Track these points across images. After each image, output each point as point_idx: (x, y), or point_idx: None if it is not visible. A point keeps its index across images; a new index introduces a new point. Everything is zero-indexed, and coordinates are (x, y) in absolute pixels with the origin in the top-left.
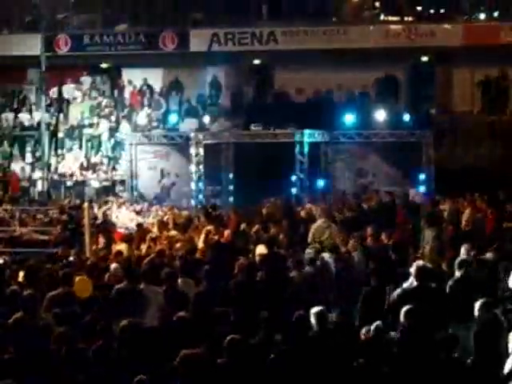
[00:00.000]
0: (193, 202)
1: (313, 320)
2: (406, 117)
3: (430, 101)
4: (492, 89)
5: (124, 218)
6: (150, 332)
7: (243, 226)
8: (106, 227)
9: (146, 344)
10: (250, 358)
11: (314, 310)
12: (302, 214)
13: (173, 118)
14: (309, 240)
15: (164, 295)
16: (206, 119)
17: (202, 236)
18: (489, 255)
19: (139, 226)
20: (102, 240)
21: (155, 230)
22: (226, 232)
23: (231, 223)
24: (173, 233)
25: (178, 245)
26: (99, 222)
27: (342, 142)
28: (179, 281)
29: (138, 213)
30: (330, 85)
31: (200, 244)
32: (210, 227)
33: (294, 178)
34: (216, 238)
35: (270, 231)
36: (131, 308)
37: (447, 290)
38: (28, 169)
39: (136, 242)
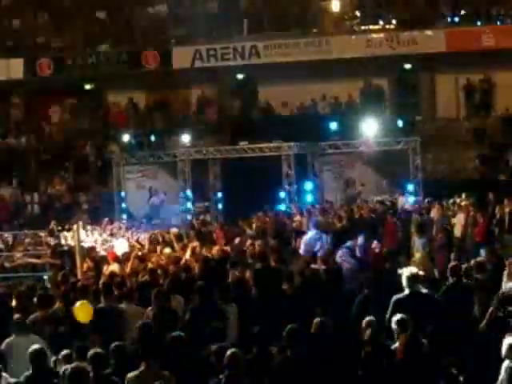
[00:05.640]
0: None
1: (314, 329)
2: (399, 123)
3: (416, 108)
4: (476, 94)
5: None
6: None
7: (237, 240)
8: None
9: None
10: (246, 372)
11: (316, 319)
12: (292, 226)
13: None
14: (301, 252)
15: (154, 314)
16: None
17: (188, 252)
18: (481, 259)
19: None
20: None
21: (146, 247)
22: (215, 248)
23: (218, 239)
24: (166, 251)
25: (164, 262)
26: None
27: (329, 153)
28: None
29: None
30: (315, 96)
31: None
32: (195, 243)
33: (281, 191)
34: (203, 253)
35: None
36: (111, 328)
37: (440, 297)
38: (16, 193)
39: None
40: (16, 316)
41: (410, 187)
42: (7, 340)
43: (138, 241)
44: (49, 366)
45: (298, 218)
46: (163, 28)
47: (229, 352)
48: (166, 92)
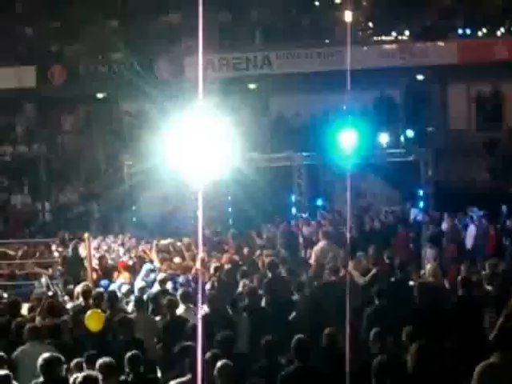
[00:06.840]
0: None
1: (324, 341)
2: (410, 134)
3: (427, 119)
4: (488, 105)
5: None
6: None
7: (246, 250)
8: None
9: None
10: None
11: (326, 331)
12: (302, 237)
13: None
14: (311, 262)
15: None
16: None
17: (198, 263)
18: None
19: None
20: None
21: (155, 258)
22: (225, 257)
23: (230, 249)
24: (177, 260)
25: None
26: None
27: (340, 163)
28: (182, 307)
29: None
30: (326, 107)
31: (194, 271)
32: (203, 255)
33: (292, 201)
34: (213, 263)
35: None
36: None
37: (450, 308)
38: (27, 201)
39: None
40: (30, 324)
41: (421, 198)
42: (22, 347)
43: (145, 251)
44: (61, 375)
45: (308, 228)
46: (176, 37)
47: (219, 363)
48: (178, 101)
